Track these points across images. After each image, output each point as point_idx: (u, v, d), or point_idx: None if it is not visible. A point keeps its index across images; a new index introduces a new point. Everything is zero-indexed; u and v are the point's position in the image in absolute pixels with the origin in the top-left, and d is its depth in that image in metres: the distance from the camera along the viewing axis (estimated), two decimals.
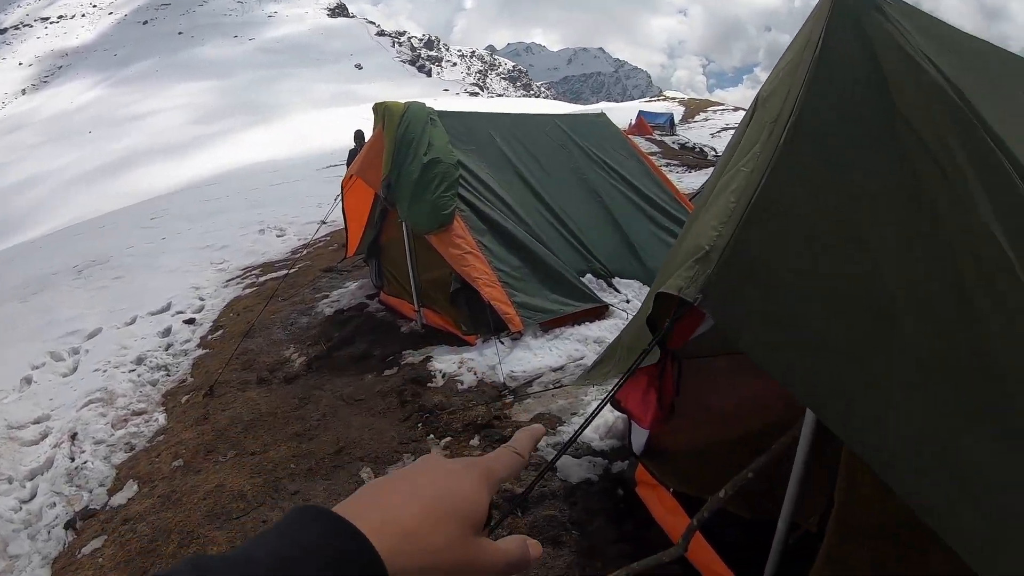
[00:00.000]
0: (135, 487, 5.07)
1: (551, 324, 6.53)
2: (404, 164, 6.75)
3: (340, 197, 8.47)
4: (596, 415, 2.75)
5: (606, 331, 6.41)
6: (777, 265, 2.12)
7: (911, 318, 2.04)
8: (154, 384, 7.12)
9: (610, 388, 4.16)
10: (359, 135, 13.72)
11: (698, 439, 4.13)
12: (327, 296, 9.13)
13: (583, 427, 2.75)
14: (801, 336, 2.05)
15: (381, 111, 7.18)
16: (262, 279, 10.66)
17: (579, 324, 6.64)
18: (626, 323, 4.84)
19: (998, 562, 1.77)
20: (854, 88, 2.36)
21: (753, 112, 2.74)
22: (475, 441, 4.96)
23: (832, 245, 2.15)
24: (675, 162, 23.51)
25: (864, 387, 2.00)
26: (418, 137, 6.82)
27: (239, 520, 4.37)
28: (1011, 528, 1.82)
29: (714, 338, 3.81)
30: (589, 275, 7.22)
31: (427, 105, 7.27)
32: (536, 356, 6.06)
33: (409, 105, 7.09)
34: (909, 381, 1.99)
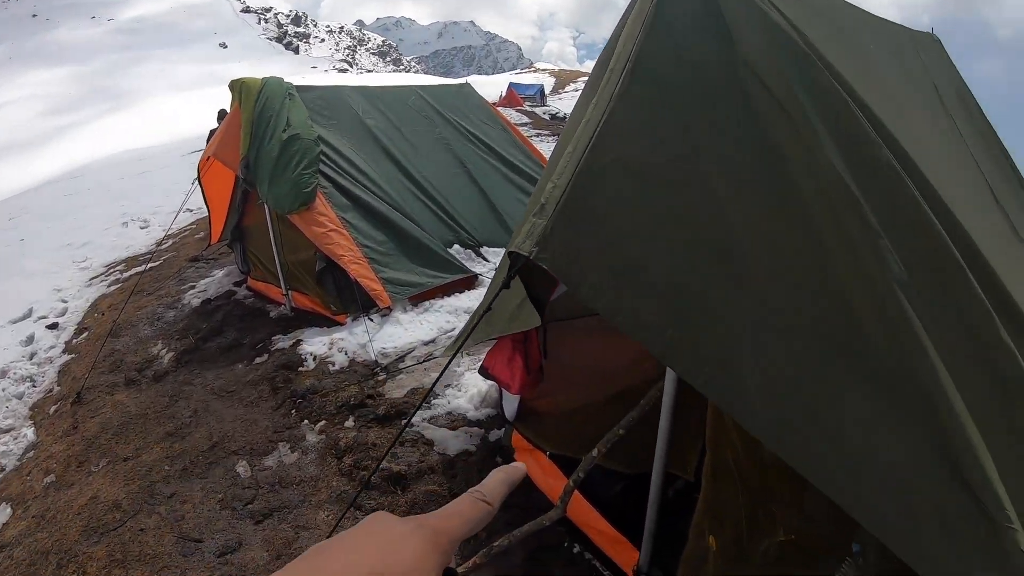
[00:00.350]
0: (8, 510, 4.77)
1: (420, 297, 6.43)
2: (263, 142, 6.42)
3: (197, 181, 7.98)
4: (446, 369, 2.62)
5: (476, 301, 6.33)
6: (616, 213, 2.01)
7: (760, 260, 1.97)
8: (20, 397, 6.62)
9: (480, 356, 4.03)
10: (222, 115, 13.02)
11: (571, 400, 4.07)
12: (194, 286, 8.68)
13: (436, 380, 2.61)
14: (645, 284, 1.95)
15: (238, 88, 6.77)
16: (127, 274, 10.08)
17: (449, 295, 6.58)
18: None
19: (863, 498, 1.75)
20: (694, 33, 2.26)
21: (600, 68, 2.62)
22: (349, 423, 4.82)
23: (674, 190, 2.04)
24: (545, 132, 23.75)
25: (715, 333, 1.92)
26: (276, 113, 6.48)
27: (116, 532, 4.15)
28: (872, 464, 1.79)
29: (577, 298, 3.73)
30: (457, 246, 7.13)
31: (286, 80, 6.89)
32: (407, 331, 5.96)
33: (266, 80, 6.71)
34: (761, 324, 1.92)
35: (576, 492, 3.22)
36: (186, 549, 3.92)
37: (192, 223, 12.35)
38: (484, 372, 3.76)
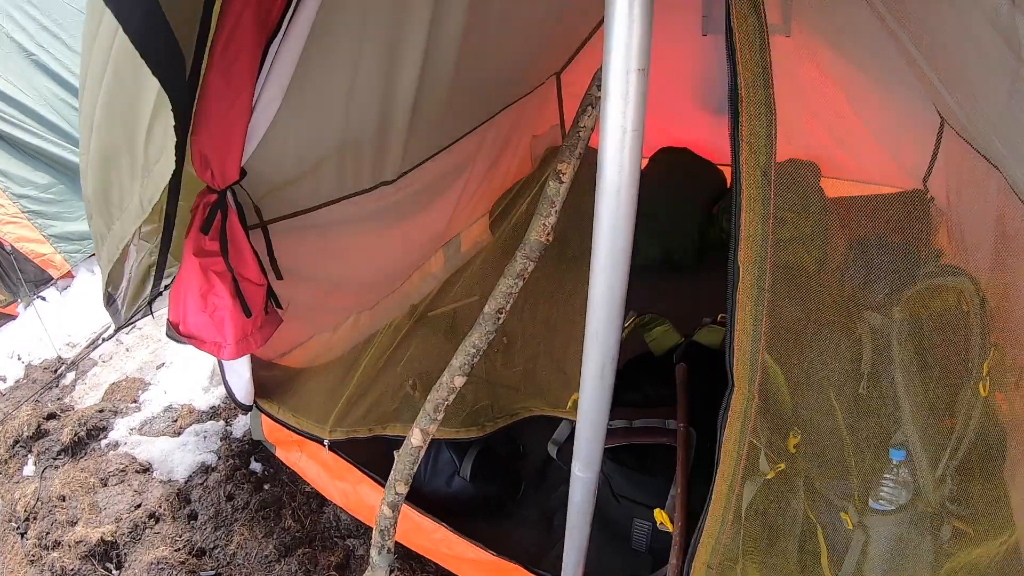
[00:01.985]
0: None
1: None
2: None
3: None
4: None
5: None
6: None
7: None
8: None
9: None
10: None
11: (342, 341, 2.37)
12: None
13: None
14: None
15: None
16: None
17: None
18: None
19: None
20: None
21: None
22: (29, 467, 2.97)
23: None
24: None
25: None
26: None
27: None
28: None
29: (313, 178, 2.02)
30: None
31: None
32: (99, 302, 4.02)
33: None
34: None
35: (403, 505, 1.67)
36: None
37: None
38: (172, 333, 1.88)
